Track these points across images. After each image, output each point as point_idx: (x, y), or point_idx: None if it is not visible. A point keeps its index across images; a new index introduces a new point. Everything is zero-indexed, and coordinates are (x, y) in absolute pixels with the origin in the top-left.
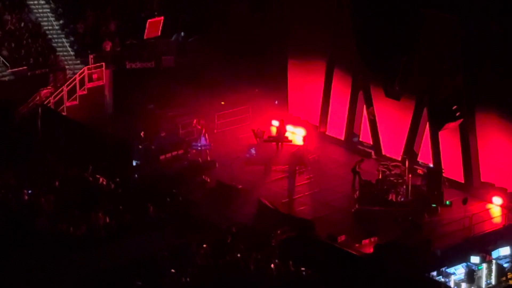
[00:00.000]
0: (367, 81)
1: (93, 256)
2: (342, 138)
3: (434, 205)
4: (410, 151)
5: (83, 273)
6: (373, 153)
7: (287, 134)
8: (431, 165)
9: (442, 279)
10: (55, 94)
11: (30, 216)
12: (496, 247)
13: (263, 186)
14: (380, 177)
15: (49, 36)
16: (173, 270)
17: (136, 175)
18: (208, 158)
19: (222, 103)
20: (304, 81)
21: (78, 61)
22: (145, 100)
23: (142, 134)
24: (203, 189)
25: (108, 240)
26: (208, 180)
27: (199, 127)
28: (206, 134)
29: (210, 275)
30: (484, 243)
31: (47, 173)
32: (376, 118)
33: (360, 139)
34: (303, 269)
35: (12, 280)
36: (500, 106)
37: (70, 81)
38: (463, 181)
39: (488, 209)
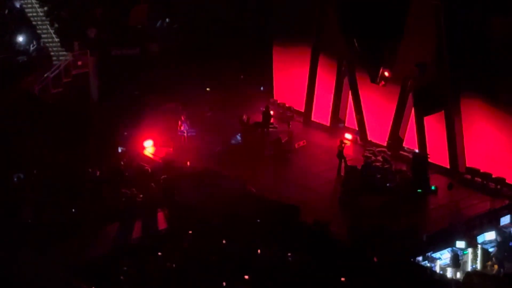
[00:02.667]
0: (353, 67)
1: (79, 242)
2: (328, 123)
3: (419, 191)
4: (395, 137)
5: (69, 260)
6: (358, 138)
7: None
8: (417, 151)
9: (428, 264)
10: (40, 81)
11: (16, 204)
12: (482, 232)
13: (250, 172)
14: (366, 163)
15: (34, 23)
16: (159, 254)
17: (122, 162)
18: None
19: (208, 89)
20: (289, 67)
21: (63, 48)
22: (130, 86)
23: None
24: (189, 175)
25: (94, 226)
26: (188, 164)
27: (184, 114)
28: (188, 121)
29: (195, 260)
30: (470, 228)
31: (33, 160)
32: (362, 103)
33: (346, 125)
34: (289, 254)
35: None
36: (485, 92)
37: (55, 68)
38: (448, 167)
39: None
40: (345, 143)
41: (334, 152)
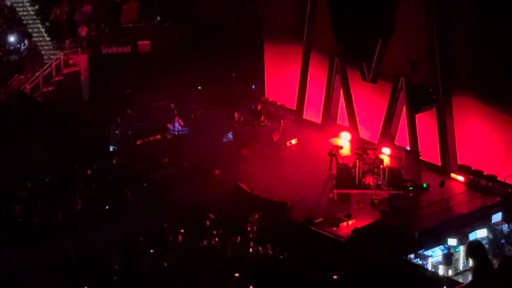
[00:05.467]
0: (344, 64)
1: (70, 241)
2: (319, 121)
3: (411, 188)
4: (387, 135)
5: (61, 259)
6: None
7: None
8: (408, 148)
9: (420, 262)
10: (31, 80)
11: (5, 203)
12: (473, 229)
13: (241, 170)
14: (357, 160)
15: (25, 22)
16: (152, 251)
17: (114, 161)
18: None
19: (199, 87)
20: (281, 65)
21: (54, 47)
22: (122, 85)
23: (118, 119)
24: (181, 174)
25: (85, 225)
26: (186, 165)
27: (176, 112)
28: (180, 120)
29: (187, 259)
30: (461, 225)
31: (23, 159)
32: (353, 101)
33: (337, 122)
34: (281, 252)
35: None
36: (476, 89)
37: (46, 66)
38: (440, 164)
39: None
40: (340, 153)
41: (326, 150)
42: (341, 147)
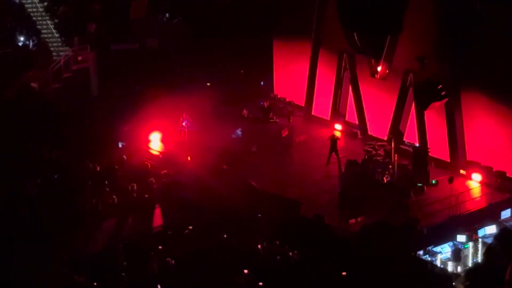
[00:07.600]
0: (353, 61)
1: (79, 239)
2: (328, 118)
3: (420, 184)
4: (396, 131)
5: (69, 256)
6: (359, 133)
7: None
8: (417, 145)
9: (429, 258)
10: (40, 76)
11: (14, 201)
12: (482, 225)
13: (250, 167)
14: (366, 157)
15: (34, 18)
16: (160, 247)
17: (124, 156)
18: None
19: (208, 84)
20: (290, 61)
21: (63, 43)
22: (130, 81)
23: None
24: (189, 171)
25: (94, 222)
26: (189, 159)
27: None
28: (189, 116)
29: (196, 256)
30: (470, 222)
31: (31, 156)
32: (362, 97)
33: (346, 119)
34: (290, 249)
35: None
36: (485, 85)
37: (55, 63)
38: (449, 160)
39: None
40: (337, 137)
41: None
42: (338, 137)
